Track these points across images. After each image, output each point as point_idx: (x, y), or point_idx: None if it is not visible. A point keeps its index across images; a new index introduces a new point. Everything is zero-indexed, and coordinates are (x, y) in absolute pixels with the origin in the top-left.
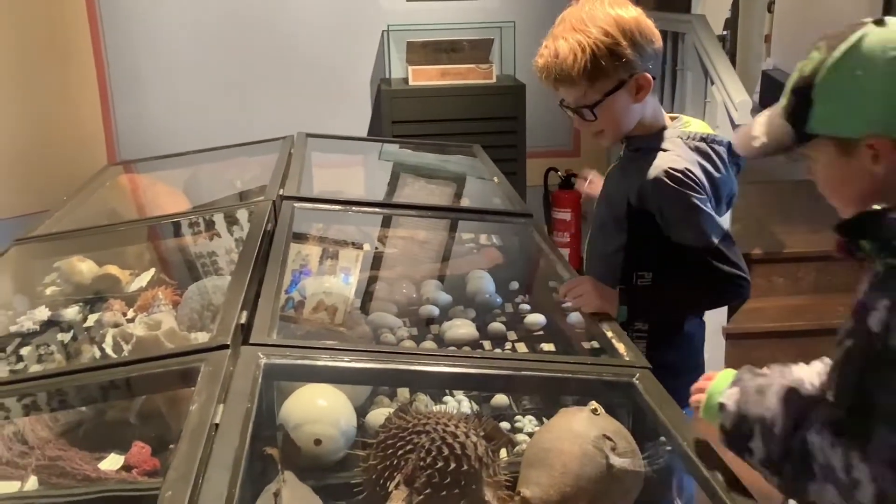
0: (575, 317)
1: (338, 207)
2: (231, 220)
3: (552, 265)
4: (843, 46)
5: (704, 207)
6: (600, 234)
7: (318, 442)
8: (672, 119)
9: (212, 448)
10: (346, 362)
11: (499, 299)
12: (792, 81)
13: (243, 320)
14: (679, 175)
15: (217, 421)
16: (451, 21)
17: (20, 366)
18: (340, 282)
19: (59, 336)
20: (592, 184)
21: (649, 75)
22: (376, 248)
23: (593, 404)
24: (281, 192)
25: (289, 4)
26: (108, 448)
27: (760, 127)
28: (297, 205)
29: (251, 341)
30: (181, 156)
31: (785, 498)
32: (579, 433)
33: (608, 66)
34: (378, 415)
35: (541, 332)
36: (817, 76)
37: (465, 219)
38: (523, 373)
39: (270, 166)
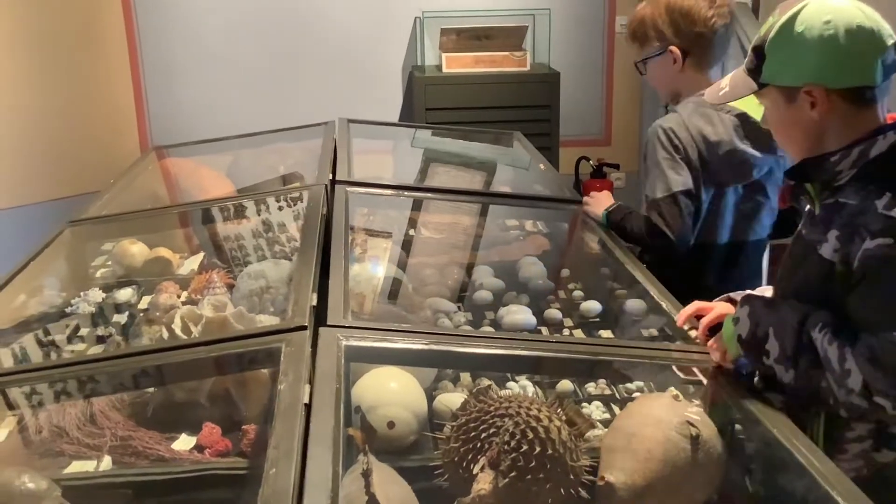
0: (632, 304)
1: (389, 192)
2: (282, 204)
3: (606, 252)
4: (790, 12)
5: (664, 166)
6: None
7: (391, 425)
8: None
9: (307, 427)
10: (424, 345)
11: (552, 286)
12: (753, 41)
13: (314, 302)
14: (661, 132)
15: (306, 401)
16: (485, 8)
17: (80, 347)
18: (369, 270)
19: (115, 318)
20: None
21: (679, 50)
22: (425, 234)
23: (673, 390)
24: (331, 176)
25: None
26: (176, 429)
27: (726, 80)
28: (349, 189)
29: (329, 323)
30: (223, 140)
31: None
32: (662, 419)
33: (649, 35)
34: (448, 398)
35: (597, 319)
36: (769, 35)
37: (516, 205)
38: (601, 357)
39: (312, 151)
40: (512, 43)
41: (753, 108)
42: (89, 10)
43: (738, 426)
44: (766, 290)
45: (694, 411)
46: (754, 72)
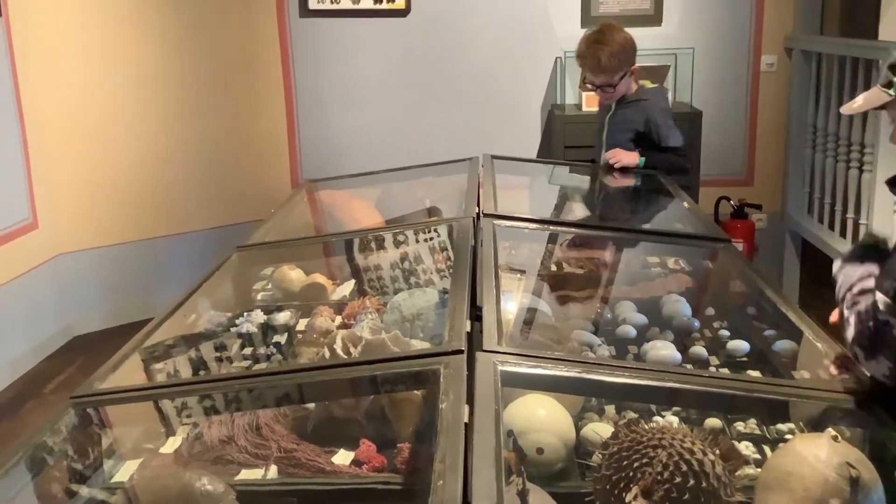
0: (781, 345)
1: (534, 226)
2: (430, 236)
3: (755, 290)
4: None
5: (673, 126)
6: (616, 143)
7: (540, 451)
8: (640, 84)
9: (470, 445)
10: (576, 373)
11: (696, 323)
12: (889, 61)
13: (468, 328)
14: (662, 112)
15: (466, 421)
16: None
17: (245, 363)
18: (513, 301)
19: (276, 338)
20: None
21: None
22: (566, 268)
23: (831, 431)
24: (478, 209)
25: (467, 32)
26: (334, 444)
27: (860, 97)
28: (496, 222)
29: (484, 348)
30: (372, 174)
31: None
32: (820, 459)
33: (620, 64)
34: (598, 427)
35: (744, 359)
36: None
37: (658, 241)
38: (753, 394)
39: (455, 185)
40: (653, 81)
41: None
42: (251, 54)
43: None
44: None
45: (853, 453)
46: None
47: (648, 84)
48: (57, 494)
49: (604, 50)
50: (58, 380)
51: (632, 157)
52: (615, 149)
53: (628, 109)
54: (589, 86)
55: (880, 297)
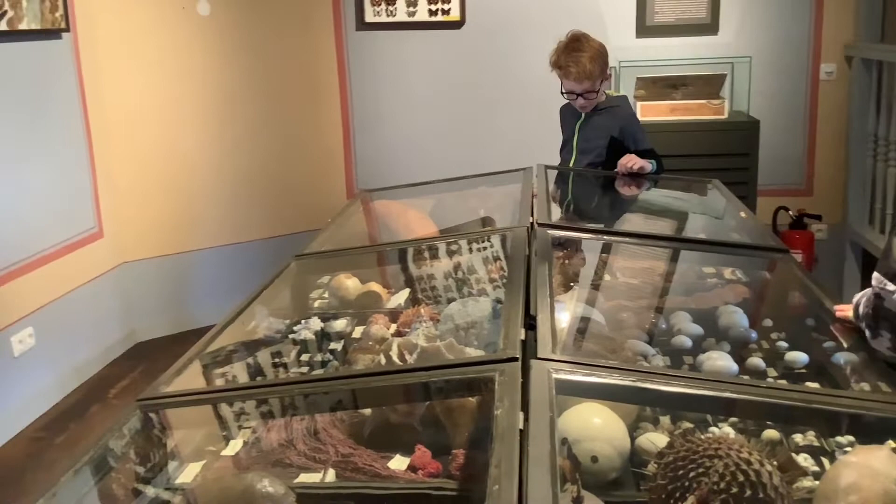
0: (841, 357)
1: (588, 236)
2: (485, 245)
3: (814, 301)
4: None
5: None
6: (590, 149)
7: (594, 459)
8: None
9: (525, 451)
10: (630, 381)
11: (753, 334)
12: None
13: (522, 336)
14: (636, 116)
15: (520, 427)
16: (682, 57)
17: (303, 369)
18: (567, 310)
19: (332, 345)
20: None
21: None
22: (621, 278)
23: (892, 443)
24: (532, 219)
25: (521, 43)
26: (390, 449)
27: None
28: (550, 231)
29: (539, 356)
30: (426, 184)
31: None
32: (880, 472)
33: (602, 70)
34: (654, 436)
35: (803, 370)
36: None
37: (715, 252)
38: (812, 406)
39: (510, 195)
40: (709, 91)
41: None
42: (309, 67)
43: None
44: None
45: None
46: None
47: (613, 92)
48: (123, 494)
49: (584, 55)
50: (121, 384)
51: (646, 163)
52: (630, 154)
53: (601, 116)
54: (568, 96)
55: (875, 276)
